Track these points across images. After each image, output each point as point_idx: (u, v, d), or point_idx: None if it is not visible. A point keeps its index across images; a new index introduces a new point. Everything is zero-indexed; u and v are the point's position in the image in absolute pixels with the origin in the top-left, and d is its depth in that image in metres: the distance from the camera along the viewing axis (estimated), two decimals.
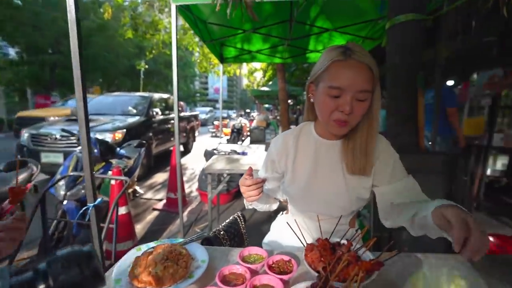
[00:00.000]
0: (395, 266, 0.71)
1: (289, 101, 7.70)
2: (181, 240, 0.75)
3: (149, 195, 4.02)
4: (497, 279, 0.68)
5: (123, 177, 1.84)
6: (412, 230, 0.70)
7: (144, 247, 0.73)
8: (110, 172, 2.37)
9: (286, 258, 0.68)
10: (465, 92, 4.25)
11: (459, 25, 2.16)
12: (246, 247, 0.73)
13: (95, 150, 2.28)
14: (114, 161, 2.59)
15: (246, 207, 1.01)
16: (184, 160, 6.77)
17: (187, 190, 4.24)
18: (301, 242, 0.67)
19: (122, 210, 2.22)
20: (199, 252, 0.72)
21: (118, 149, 2.59)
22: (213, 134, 12.52)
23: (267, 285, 0.60)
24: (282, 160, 0.90)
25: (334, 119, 0.71)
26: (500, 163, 3.72)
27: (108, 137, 4.02)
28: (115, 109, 5.36)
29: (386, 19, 1.65)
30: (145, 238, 2.66)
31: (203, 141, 10.32)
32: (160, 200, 3.72)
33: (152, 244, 0.74)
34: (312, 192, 0.84)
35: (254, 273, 0.66)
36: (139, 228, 2.85)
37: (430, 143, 2.74)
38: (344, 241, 0.67)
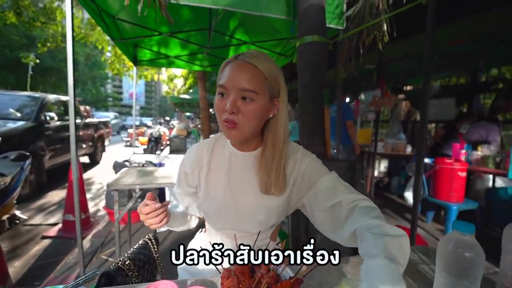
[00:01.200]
0: (312, 278, 0.70)
1: (211, 110, 7.64)
2: (60, 287, 0.58)
3: (38, 219, 3.23)
4: None
5: None
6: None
7: None
8: None
9: None
10: (357, 108, 5.14)
11: (352, 52, 2.56)
12: (152, 283, 0.61)
13: None
14: None
15: (157, 231, 0.88)
16: (90, 174, 5.85)
17: (93, 209, 3.61)
18: (217, 269, 0.60)
19: None
20: None
21: None
22: (127, 144, 11.26)
23: None
24: (195, 172, 0.82)
25: (223, 120, 0.69)
26: (383, 166, 4.70)
27: None
28: None
29: (297, 39, 1.81)
30: (27, 279, 2.07)
31: (115, 151, 9.20)
32: (55, 224, 3.03)
33: None
34: (227, 208, 0.78)
35: None
36: (19, 266, 2.21)
37: (335, 151, 3.16)
38: None
